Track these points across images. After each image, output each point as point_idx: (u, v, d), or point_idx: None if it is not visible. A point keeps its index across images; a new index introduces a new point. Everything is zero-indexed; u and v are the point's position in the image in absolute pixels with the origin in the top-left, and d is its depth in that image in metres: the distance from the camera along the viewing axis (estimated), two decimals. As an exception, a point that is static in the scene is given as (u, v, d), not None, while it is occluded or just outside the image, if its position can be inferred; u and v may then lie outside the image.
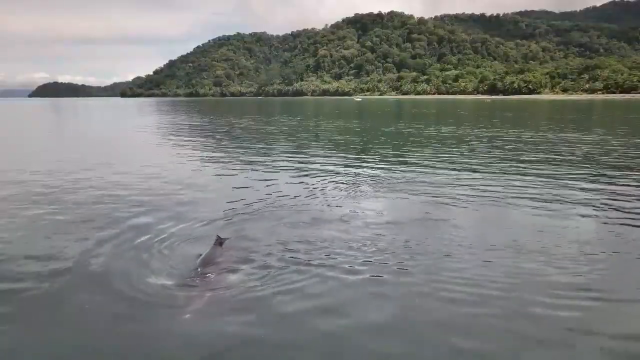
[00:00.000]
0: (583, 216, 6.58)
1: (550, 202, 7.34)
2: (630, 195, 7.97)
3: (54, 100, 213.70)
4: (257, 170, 10.77)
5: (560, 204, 7.27)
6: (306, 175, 9.98)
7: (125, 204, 7.24)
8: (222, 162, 12.30)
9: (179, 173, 10.36)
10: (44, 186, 8.81)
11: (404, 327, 3.56)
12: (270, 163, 11.88)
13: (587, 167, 11.14)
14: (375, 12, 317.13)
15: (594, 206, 7.11)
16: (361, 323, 3.59)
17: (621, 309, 3.84)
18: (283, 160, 12.36)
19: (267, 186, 8.72)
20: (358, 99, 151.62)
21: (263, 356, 3.19)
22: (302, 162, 11.93)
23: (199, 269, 4.37)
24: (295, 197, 7.85)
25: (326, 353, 3.21)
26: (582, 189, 8.36)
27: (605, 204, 7.24)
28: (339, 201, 7.58)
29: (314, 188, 8.58)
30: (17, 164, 12.34)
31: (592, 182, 9.18)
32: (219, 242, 5.07)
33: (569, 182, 9.10)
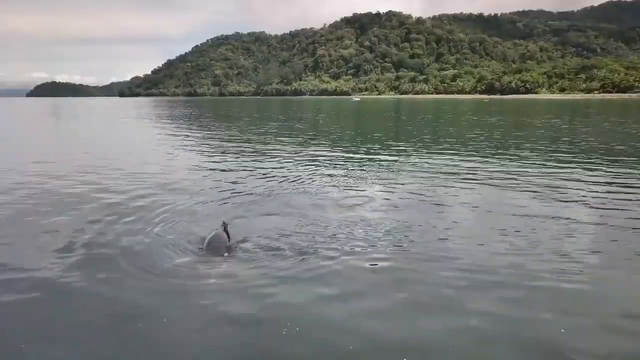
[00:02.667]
0: (576, 202, 7.03)
1: (545, 189, 7.84)
2: (622, 183, 8.41)
3: (53, 99, 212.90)
4: (257, 162, 11.17)
5: (554, 190, 7.76)
6: (307, 166, 10.44)
7: (133, 194, 7.64)
8: (225, 155, 12.68)
9: (185, 164, 10.78)
10: (61, 177, 9.20)
11: (401, 305, 3.75)
12: (270, 156, 12.23)
13: (584, 157, 11.71)
14: (374, 11, 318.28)
15: (587, 193, 7.58)
16: (356, 291, 3.98)
17: (608, 287, 4.12)
18: (284, 153, 12.72)
19: (269, 176, 9.19)
20: (357, 99, 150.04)
21: (278, 313, 3.61)
22: (302, 155, 12.29)
23: (208, 248, 4.88)
24: (296, 185, 8.32)
25: (324, 315, 3.60)
26: (577, 178, 8.83)
27: (599, 191, 7.71)
28: (338, 188, 8.04)
29: (314, 177, 9.01)
30: (21, 159, 12.78)
31: (587, 170, 9.70)
32: (225, 226, 5.41)
33: (564, 169, 9.64)
